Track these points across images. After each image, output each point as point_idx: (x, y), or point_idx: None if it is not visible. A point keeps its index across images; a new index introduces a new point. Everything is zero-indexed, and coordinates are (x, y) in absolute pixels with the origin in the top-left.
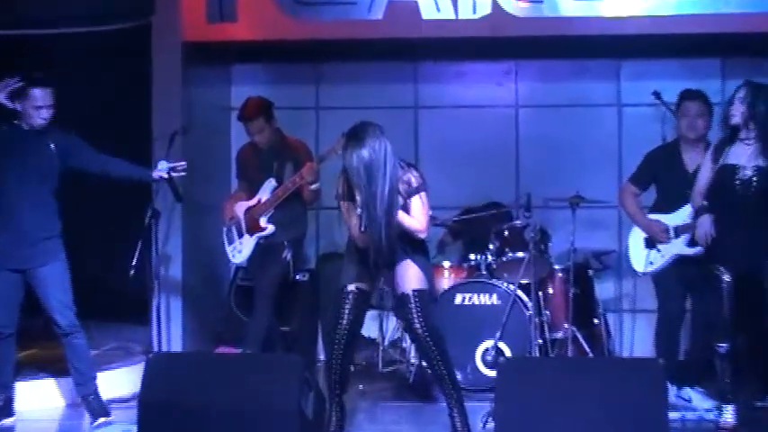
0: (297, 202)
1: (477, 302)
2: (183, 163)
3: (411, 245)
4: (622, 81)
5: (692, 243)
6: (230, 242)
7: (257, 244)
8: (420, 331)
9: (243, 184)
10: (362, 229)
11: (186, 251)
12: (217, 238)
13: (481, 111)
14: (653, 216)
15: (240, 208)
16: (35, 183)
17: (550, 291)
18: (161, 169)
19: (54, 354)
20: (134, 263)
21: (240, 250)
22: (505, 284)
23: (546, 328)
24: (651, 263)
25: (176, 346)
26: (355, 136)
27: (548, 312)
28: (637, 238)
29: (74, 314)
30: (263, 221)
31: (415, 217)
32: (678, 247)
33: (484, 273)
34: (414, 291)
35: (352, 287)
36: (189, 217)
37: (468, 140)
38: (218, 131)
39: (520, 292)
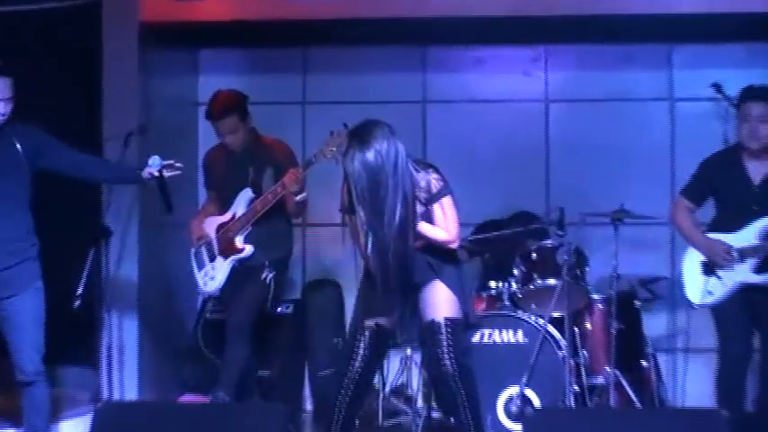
0: (279, 217)
1: (498, 340)
2: (179, 164)
3: (439, 257)
4: (675, 70)
5: (760, 269)
6: (200, 267)
7: (233, 268)
8: (450, 369)
9: (213, 195)
10: (368, 251)
11: (143, 278)
12: (181, 262)
13: (503, 106)
14: (713, 236)
15: (211, 225)
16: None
17: (588, 326)
18: (152, 165)
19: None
20: (79, 292)
21: (213, 276)
22: (533, 318)
23: (583, 372)
24: (710, 292)
25: (131, 393)
26: (358, 136)
27: (585, 352)
28: (693, 262)
29: (41, 358)
30: (239, 241)
31: (441, 226)
32: (743, 273)
33: (507, 304)
34: (446, 320)
35: (370, 323)
36: (146, 236)
37: (487, 142)
38: (182, 131)
39: (551, 328)
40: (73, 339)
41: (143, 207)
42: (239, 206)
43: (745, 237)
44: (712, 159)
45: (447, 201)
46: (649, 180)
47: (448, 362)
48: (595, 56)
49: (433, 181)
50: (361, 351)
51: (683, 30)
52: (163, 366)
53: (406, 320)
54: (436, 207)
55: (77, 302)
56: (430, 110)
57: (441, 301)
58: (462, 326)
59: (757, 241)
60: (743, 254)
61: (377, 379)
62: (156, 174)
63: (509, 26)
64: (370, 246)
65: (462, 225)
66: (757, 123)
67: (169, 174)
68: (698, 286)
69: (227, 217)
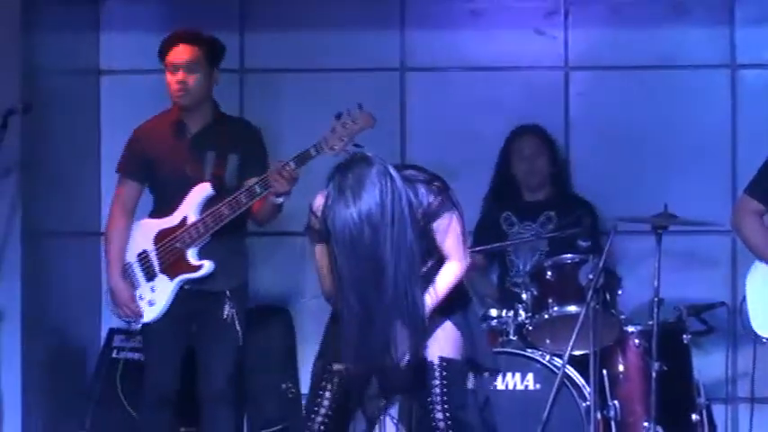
0: (241, 228)
1: (502, 387)
2: None
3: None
4: (738, 28)
5: None
6: (134, 287)
7: (179, 291)
8: (442, 425)
9: (137, 188)
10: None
11: (28, 304)
12: (79, 283)
13: (510, 74)
14: None
15: (146, 231)
16: None
17: (621, 368)
18: None
19: None
20: None
21: (152, 301)
22: (548, 357)
23: (614, 428)
24: None
25: None
26: (348, 183)
27: (616, 403)
28: (759, 282)
29: None
30: (192, 256)
31: (448, 255)
32: None
33: (514, 338)
34: (441, 360)
35: (339, 366)
36: (33, 248)
37: (487, 123)
38: (80, 107)
39: (571, 371)
40: None
41: (27, 211)
42: (191, 207)
43: None
44: None
45: (452, 220)
46: (703, 174)
47: (440, 414)
48: (630, 9)
49: (425, 191)
50: (327, 401)
51: None
52: (56, 420)
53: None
54: (438, 225)
55: None
56: (410, 80)
57: (437, 336)
58: (463, 370)
59: None
60: None
61: None
62: None
63: None
64: (354, 321)
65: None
66: None
67: None
68: (766, 314)
69: (173, 221)
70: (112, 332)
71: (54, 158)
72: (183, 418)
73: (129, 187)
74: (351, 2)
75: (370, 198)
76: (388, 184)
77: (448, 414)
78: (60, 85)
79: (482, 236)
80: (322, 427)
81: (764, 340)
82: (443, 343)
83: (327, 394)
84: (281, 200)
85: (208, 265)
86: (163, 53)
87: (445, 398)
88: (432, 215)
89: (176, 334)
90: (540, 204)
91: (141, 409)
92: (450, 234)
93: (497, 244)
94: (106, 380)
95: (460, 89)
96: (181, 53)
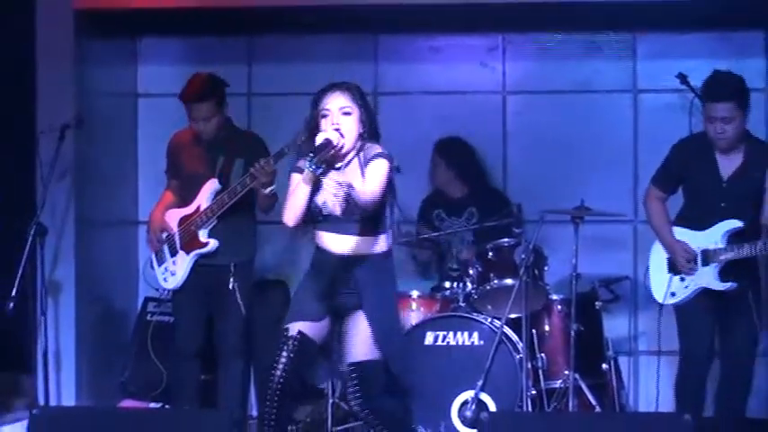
0: (246, 214)
1: (453, 342)
2: None
3: (369, 266)
4: (639, 60)
5: (724, 274)
6: (160, 263)
7: (195, 264)
8: (360, 413)
9: (174, 185)
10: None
11: (81, 278)
12: (119, 261)
13: (459, 98)
14: (679, 231)
15: (173, 217)
16: None
17: (547, 328)
18: None
19: None
20: (13, 294)
21: (174, 272)
22: (489, 320)
23: (541, 376)
24: (673, 294)
25: (68, 399)
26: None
27: (543, 355)
28: (659, 257)
29: None
30: (202, 235)
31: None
32: (706, 278)
33: (462, 305)
34: (352, 365)
35: (293, 331)
36: (84, 234)
37: (439, 136)
38: (121, 124)
39: (508, 330)
40: (7, 344)
41: (80, 204)
42: (204, 198)
43: (711, 237)
44: (685, 144)
45: (379, 162)
46: (611, 176)
47: (357, 407)
48: (555, 45)
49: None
50: (283, 359)
51: (647, 17)
52: (101, 371)
53: (334, 345)
54: (371, 165)
55: (11, 305)
56: (382, 102)
57: (356, 341)
58: (378, 367)
59: (722, 244)
60: (706, 257)
61: (326, 384)
62: None
63: (466, 14)
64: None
65: (413, 223)
66: (721, 124)
67: None
68: (662, 284)
69: (190, 209)
70: (147, 300)
71: (100, 163)
72: (205, 367)
73: (170, 182)
74: (335, 40)
75: None
76: None
77: (360, 405)
78: (106, 106)
79: (421, 229)
80: (281, 380)
81: (659, 303)
82: (360, 348)
83: (283, 353)
84: (267, 190)
85: (213, 243)
86: (184, 101)
87: (357, 395)
88: (371, 158)
89: (196, 302)
90: (464, 202)
91: (172, 359)
92: (375, 170)
93: (442, 232)
94: (140, 339)
95: (421, 109)
96: (198, 110)
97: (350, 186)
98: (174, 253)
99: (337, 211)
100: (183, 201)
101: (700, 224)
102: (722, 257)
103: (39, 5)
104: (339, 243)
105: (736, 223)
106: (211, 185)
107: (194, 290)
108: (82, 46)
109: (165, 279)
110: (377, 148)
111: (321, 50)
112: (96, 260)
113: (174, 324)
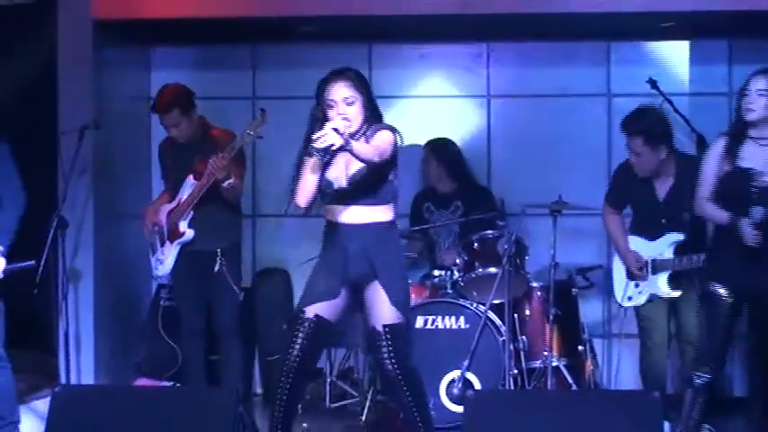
0: (224, 205)
1: (441, 326)
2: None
3: (379, 241)
4: (613, 66)
5: (673, 282)
6: (153, 252)
7: (180, 253)
8: (393, 374)
9: (167, 185)
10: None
11: (99, 266)
12: (134, 251)
13: (446, 101)
14: (634, 239)
15: (162, 212)
16: None
17: (527, 312)
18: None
19: None
20: (37, 280)
21: (162, 261)
22: (475, 305)
23: (522, 357)
24: (630, 298)
25: (88, 378)
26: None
27: (524, 338)
28: (620, 264)
29: (2, 344)
30: (182, 225)
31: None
32: (657, 286)
33: (450, 291)
34: (384, 327)
35: (310, 314)
36: (102, 226)
37: (429, 136)
38: (135, 125)
39: (492, 315)
40: (31, 325)
41: (98, 199)
42: (184, 193)
43: (659, 247)
44: (623, 170)
45: (384, 132)
46: (587, 173)
47: (390, 367)
48: (536, 53)
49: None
50: (299, 341)
51: (620, 27)
52: (118, 352)
53: (348, 318)
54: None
55: (36, 290)
56: None
57: (379, 308)
58: (403, 329)
59: (670, 255)
60: (656, 266)
61: (324, 362)
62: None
63: (453, 24)
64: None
65: (403, 216)
66: (640, 156)
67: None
68: (621, 288)
69: (174, 203)
70: (159, 287)
71: (117, 161)
72: (213, 348)
73: (165, 184)
74: (332, 48)
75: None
76: None
77: (396, 365)
78: (121, 109)
79: (413, 222)
80: (296, 360)
81: (620, 305)
82: (385, 313)
83: (300, 335)
84: (225, 183)
85: (189, 232)
86: (153, 112)
87: (392, 355)
88: (376, 129)
89: (191, 286)
90: (451, 196)
91: (181, 340)
92: (380, 136)
93: (431, 225)
94: (154, 322)
95: (414, 112)
96: (165, 119)
97: (352, 136)
98: (162, 243)
99: (343, 182)
100: (171, 196)
101: (649, 235)
102: (669, 268)
103: (60, 17)
104: (347, 213)
105: (679, 236)
106: (189, 181)
107: (187, 276)
108: (100, 54)
109: (156, 267)
110: (382, 125)
111: (319, 57)
112: (113, 250)
113: (176, 308)
